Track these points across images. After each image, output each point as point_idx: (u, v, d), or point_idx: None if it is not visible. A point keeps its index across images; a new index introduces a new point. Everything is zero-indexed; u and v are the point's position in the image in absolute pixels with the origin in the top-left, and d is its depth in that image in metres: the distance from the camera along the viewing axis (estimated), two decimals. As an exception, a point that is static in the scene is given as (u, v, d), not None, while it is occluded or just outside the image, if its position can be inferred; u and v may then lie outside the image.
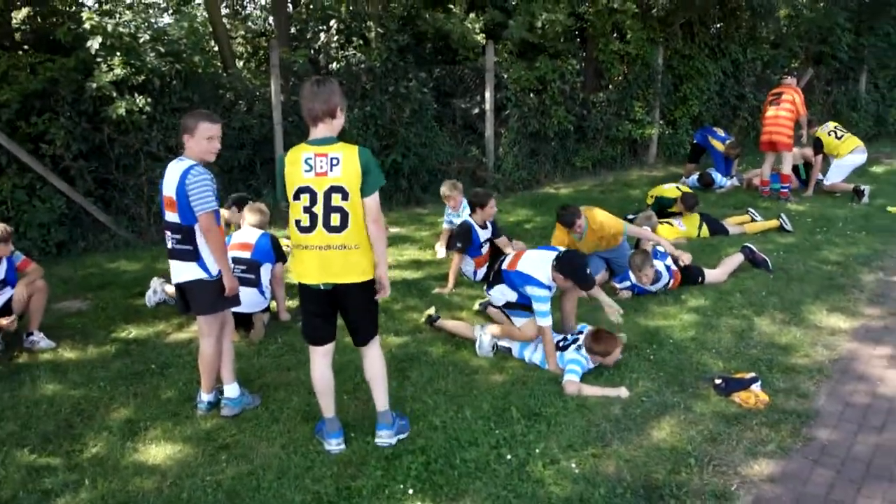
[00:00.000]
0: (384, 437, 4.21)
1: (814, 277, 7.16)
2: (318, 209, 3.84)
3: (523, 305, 5.39)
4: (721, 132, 12.29)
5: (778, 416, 4.50)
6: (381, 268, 3.99)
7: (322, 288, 3.95)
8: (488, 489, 3.82)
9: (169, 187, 4.24)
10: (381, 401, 4.24)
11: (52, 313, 6.41)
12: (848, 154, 10.87)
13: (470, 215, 7.25)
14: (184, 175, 4.17)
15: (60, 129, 8.75)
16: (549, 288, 5.22)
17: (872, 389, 4.91)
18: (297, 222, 3.90)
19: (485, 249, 7.28)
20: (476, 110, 12.75)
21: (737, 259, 7.37)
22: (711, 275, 7.04)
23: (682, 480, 3.87)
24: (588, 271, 5.28)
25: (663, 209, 9.32)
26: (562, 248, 5.53)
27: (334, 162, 3.81)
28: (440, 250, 8.30)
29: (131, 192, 9.28)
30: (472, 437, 4.28)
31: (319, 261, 3.90)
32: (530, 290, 5.19)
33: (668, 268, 6.80)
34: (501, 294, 5.48)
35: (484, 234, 7.25)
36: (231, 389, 4.62)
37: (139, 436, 4.41)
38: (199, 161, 4.27)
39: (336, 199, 3.82)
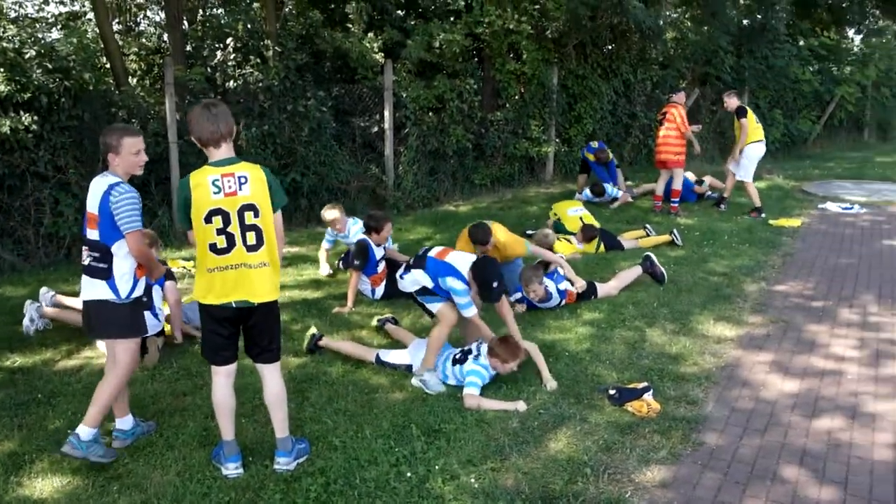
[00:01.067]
0: (282, 464, 4.16)
1: (702, 288, 7.47)
2: (235, 229, 3.83)
3: (436, 294, 5.32)
4: (594, 143, 12.72)
5: (669, 424, 4.67)
6: None
7: (234, 306, 3.90)
8: (388, 507, 3.82)
9: (92, 203, 4.11)
10: (281, 426, 4.18)
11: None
12: (757, 143, 11.23)
13: (365, 234, 7.28)
14: (107, 192, 4.03)
15: (-64, 148, 8.33)
16: (467, 286, 5.21)
17: (756, 394, 5.15)
18: (213, 245, 3.85)
19: (381, 267, 7.30)
20: (375, 129, 12.79)
21: (634, 272, 7.60)
22: (604, 288, 7.25)
23: (578, 490, 3.96)
24: (495, 286, 5.26)
25: (564, 233, 9.56)
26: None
27: (242, 180, 3.83)
28: (324, 268, 8.26)
29: (17, 214, 8.87)
30: (371, 456, 4.28)
31: (237, 280, 3.87)
32: (450, 282, 5.14)
33: (561, 291, 6.91)
34: (415, 281, 5.32)
35: (380, 253, 7.30)
36: (124, 422, 4.48)
37: (24, 469, 4.21)
38: (125, 176, 4.16)
39: (249, 218, 3.84)
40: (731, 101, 11.32)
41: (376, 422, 4.71)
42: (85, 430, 4.16)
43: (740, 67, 18.27)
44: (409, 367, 5.47)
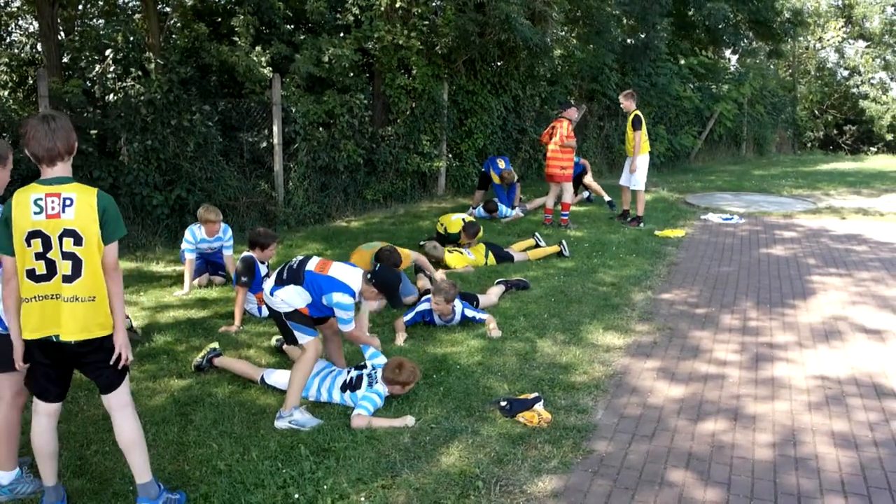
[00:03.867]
0: None
1: (591, 298, 7.60)
2: (56, 255, 3.45)
3: (309, 319, 5.06)
4: (501, 163, 12.85)
5: (560, 433, 4.68)
6: (118, 332, 3.62)
7: (55, 340, 3.51)
8: (275, 532, 3.67)
9: None
10: (141, 470, 3.76)
11: None
12: (647, 154, 11.65)
13: (250, 249, 7.08)
14: None
15: None
16: (354, 298, 5.03)
17: (644, 400, 5.24)
18: (31, 271, 3.47)
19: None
20: (264, 144, 12.54)
21: (498, 290, 7.72)
22: (483, 300, 7.31)
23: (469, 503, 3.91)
24: (399, 292, 5.24)
25: (452, 240, 9.56)
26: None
27: (67, 202, 3.45)
28: (187, 285, 7.95)
29: None
30: (258, 479, 4.11)
31: (54, 311, 3.48)
32: (337, 298, 4.90)
33: (469, 316, 6.83)
34: (291, 297, 4.94)
35: (265, 270, 7.12)
36: (7, 476, 4.00)
37: None
38: None
39: (67, 244, 3.45)
40: (629, 104, 11.56)
41: (263, 443, 4.54)
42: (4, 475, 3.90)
43: (625, 84, 18.86)
44: None
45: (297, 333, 5.01)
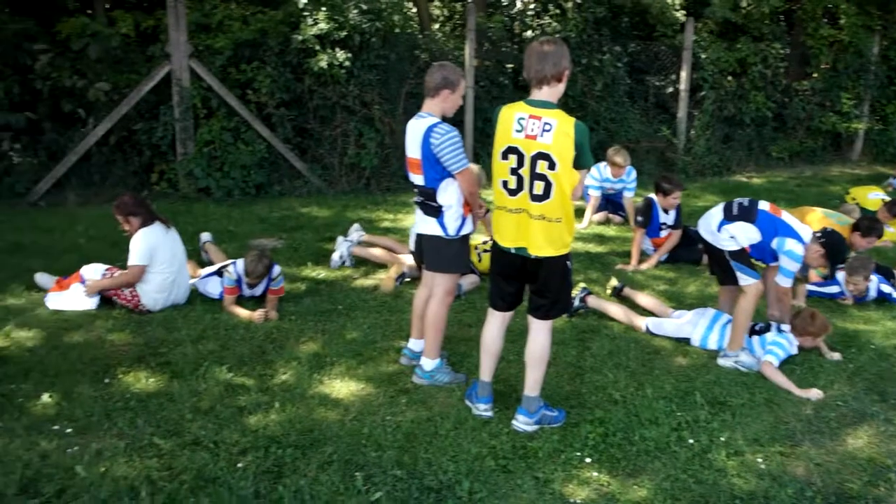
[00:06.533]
0: (520, 423, 3.97)
1: None
2: (525, 172, 3.67)
3: (750, 260, 4.86)
4: None
5: None
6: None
7: (514, 252, 3.82)
8: (667, 470, 3.69)
9: (413, 148, 4.19)
10: (531, 384, 3.97)
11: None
12: None
13: (655, 193, 7.01)
14: (426, 134, 4.08)
15: (266, 77, 9.20)
16: (804, 249, 4.78)
17: None
18: (504, 183, 3.75)
19: (664, 233, 7.02)
20: (670, 89, 12.32)
21: None
22: None
23: (880, 495, 3.59)
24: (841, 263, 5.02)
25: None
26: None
27: (546, 127, 3.58)
28: (586, 220, 8.13)
29: (326, 143, 9.63)
30: (652, 416, 4.15)
31: (516, 225, 3.76)
32: (790, 245, 4.69)
33: (886, 293, 6.17)
34: (741, 233, 4.76)
35: (664, 218, 7.01)
36: (428, 363, 4.47)
37: (325, 370, 4.58)
38: (440, 116, 4.19)
39: (542, 167, 3.62)
40: None
41: (658, 383, 4.57)
42: (427, 362, 4.41)
43: None
44: (685, 340, 5.21)
45: (739, 274, 4.84)
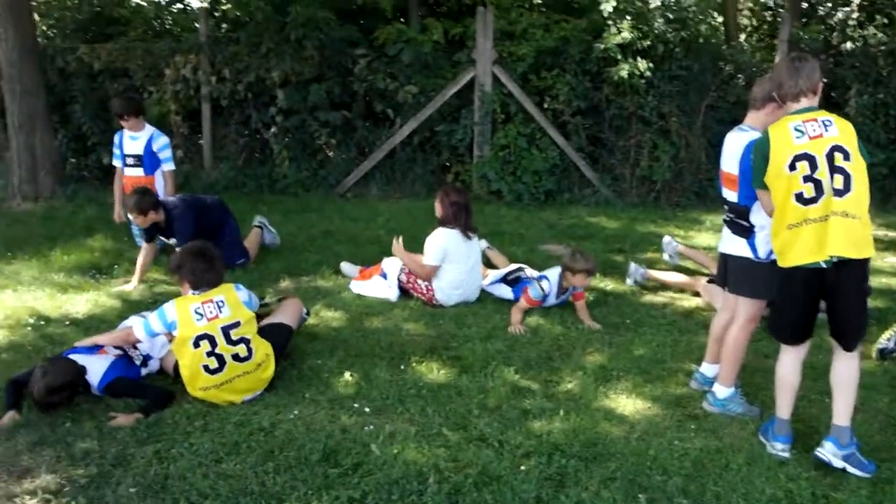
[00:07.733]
0: (827, 452, 3.63)
1: None
2: (822, 174, 3.47)
3: None
4: None
5: None
6: None
7: (824, 266, 3.48)
8: None
9: (729, 163, 4.05)
10: (841, 413, 3.65)
11: (538, 253, 6.98)
12: None
13: None
14: (747, 149, 3.91)
15: (565, 85, 9.33)
16: None
17: None
18: (799, 195, 3.51)
19: None
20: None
21: None
22: None
23: None
24: None
25: None
26: None
27: (827, 123, 3.55)
28: None
29: (619, 153, 9.55)
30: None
31: (818, 234, 3.46)
32: None
33: None
34: None
35: None
36: (722, 391, 4.23)
37: (610, 383, 4.51)
38: (762, 129, 3.94)
39: (838, 159, 3.49)
40: None
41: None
42: (721, 389, 4.21)
43: None
44: None
45: None
